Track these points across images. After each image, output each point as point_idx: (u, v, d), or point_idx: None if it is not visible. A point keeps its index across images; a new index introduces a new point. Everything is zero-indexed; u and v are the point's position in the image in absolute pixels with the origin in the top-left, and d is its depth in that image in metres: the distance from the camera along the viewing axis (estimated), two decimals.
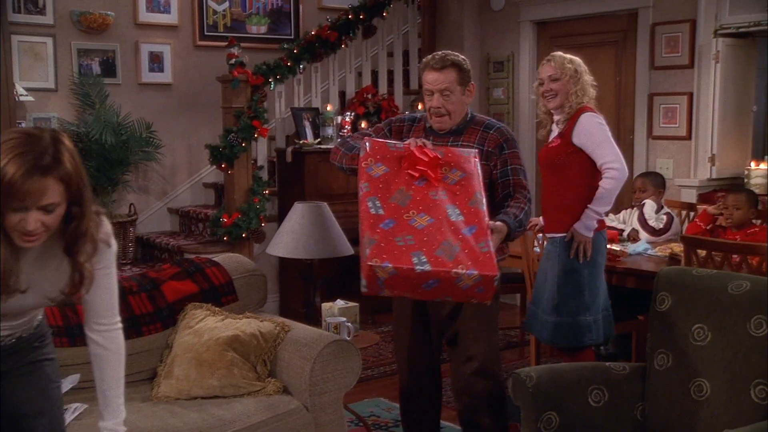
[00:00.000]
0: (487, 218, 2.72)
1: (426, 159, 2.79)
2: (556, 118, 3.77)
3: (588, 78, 3.70)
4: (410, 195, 2.72)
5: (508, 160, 3.14)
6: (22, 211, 1.85)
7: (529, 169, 3.60)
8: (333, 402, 3.03)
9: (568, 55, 3.75)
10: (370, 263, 2.50)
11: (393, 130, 3.25)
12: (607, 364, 2.85)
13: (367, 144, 2.89)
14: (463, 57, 3.15)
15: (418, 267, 2.49)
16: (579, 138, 3.62)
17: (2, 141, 1.85)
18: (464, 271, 2.51)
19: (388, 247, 2.53)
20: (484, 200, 2.78)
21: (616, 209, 5.13)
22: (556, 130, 3.79)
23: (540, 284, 3.81)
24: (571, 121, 3.65)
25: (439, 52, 3.16)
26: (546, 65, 3.73)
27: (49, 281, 2.06)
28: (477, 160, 2.91)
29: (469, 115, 3.20)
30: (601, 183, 3.61)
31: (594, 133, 3.62)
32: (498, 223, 2.86)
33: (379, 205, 2.67)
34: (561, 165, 3.68)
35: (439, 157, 2.83)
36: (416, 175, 2.77)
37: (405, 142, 2.92)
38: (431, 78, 3.09)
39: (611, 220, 4.90)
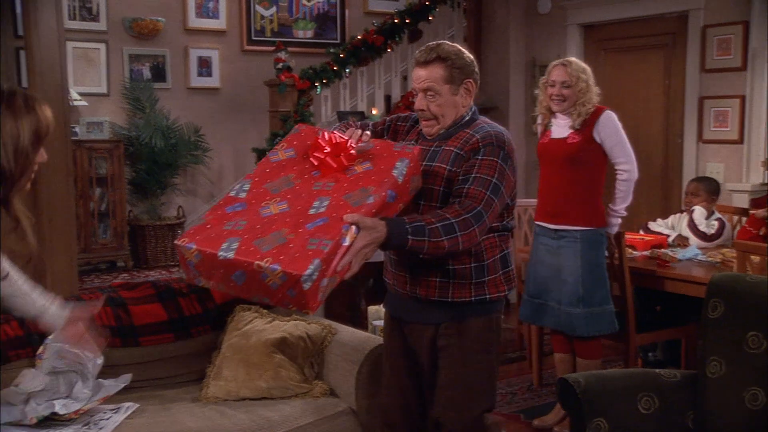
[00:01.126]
0: (354, 215, 2.18)
1: (328, 148, 2.40)
2: (561, 116, 3.90)
3: (595, 89, 3.85)
4: (293, 183, 2.35)
5: (477, 166, 2.44)
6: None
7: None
8: (377, 407, 3.02)
9: (582, 65, 3.88)
10: (177, 242, 2.21)
11: (391, 128, 2.73)
12: (657, 371, 2.80)
13: (298, 128, 2.56)
14: (458, 49, 2.56)
15: (221, 253, 2.11)
16: (600, 134, 3.79)
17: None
18: (267, 264, 2.06)
19: (209, 230, 2.19)
20: (372, 198, 2.24)
21: (664, 214, 5.06)
22: (563, 127, 3.89)
23: (548, 277, 3.94)
24: (592, 118, 3.80)
25: (432, 43, 2.59)
26: (561, 69, 3.84)
27: None
28: (410, 157, 2.38)
29: (467, 118, 2.57)
30: (616, 185, 3.86)
31: (615, 132, 3.80)
32: (374, 219, 2.21)
33: (246, 189, 2.34)
34: (580, 160, 3.82)
35: (351, 146, 2.39)
36: (315, 163, 2.39)
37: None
38: (415, 74, 2.54)
39: (658, 226, 4.83)
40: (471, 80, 2.54)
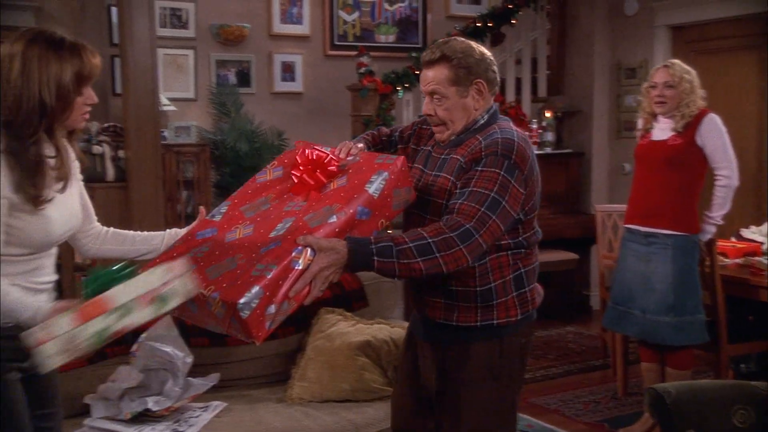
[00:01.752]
0: (308, 237, 2.00)
1: (306, 164, 2.25)
2: (663, 118, 3.84)
3: (700, 92, 3.79)
4: (268, 205, 2.21)
5: (475, 179, 2.17)
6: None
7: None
8: None
9: (687, 66, 3.82)
10: (140, 270, 2.12)
11: (416, 133, 2.51)
12: (752, 383, 2.71)
13: (295, 145, 2.41)
14: (467, 45, 2.29)
15: None
16: (703, 138, 3.74)
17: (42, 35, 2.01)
18: (209, 293, 1.95)
19: (173, 258, 2.08)
20: (335, 217, 2.06)
21: (758, 221, 4.89)
22: (665, 130, 3.83)
23: (634, 284, 3.86)
24: (695, 121, 3.74)
25: (440, 40, 2.36)
26: (663, 71, 3.80)
27: None
28: (390, 170, 2.18)
29: (482, 122, 2.30)
30: (714, 191, 3.81)
31: (719, 136, 3.76)
32: (332, 240, 2.01)
33: (222, 211, 2.26)
34: (680, 163, 3.78)
35: (334, 161, 2.24)
36: (295, 181, 2.24)
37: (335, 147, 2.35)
38: (421, 76, 2.34)
39: (752, 233, 4.67)
40: (482, 80, 2.27)
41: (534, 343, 5.47)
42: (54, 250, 2.17)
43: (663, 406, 2.53)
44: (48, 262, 2.15)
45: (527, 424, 4.14)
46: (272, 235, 2.06)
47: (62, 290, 2.42)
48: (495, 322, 2.30)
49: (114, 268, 2.11)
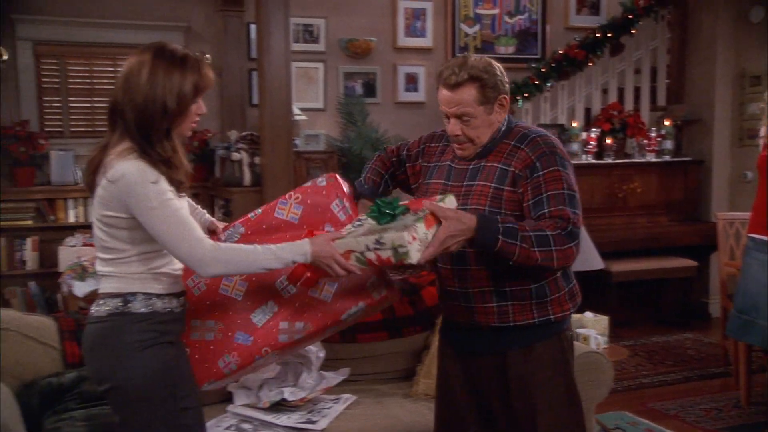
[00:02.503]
0: (437, 205, 2.06)
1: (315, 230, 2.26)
2: None
3: None
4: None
5: (543, 184, 2.16)
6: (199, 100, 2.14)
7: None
8: (584, 412, 2.94)
9: None
10: None
11: (425, 152, 2.44)
12: None
13: (322, 179, 2.33)
14: (486, 62, 2.22)
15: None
16: None
17: (166, 49, 2.11)
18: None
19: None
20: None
21: None
22: None
23: (759, 294, 3.69)
24: None
25: (458, 58, 2.24)
26: None
27: None
28: (368, 304, 2.24)
29: (504, 128, 2.28)
30: None
31: None
32: (458, 211, 2.08)
33: (235, 239, 2.29)
34: None
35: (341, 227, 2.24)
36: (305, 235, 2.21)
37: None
38: (443, 98, 2.23)
39: None
40: (504, 95, 2.24)
41: (652, 348, 5.35)
42: None
43: None
44: None
45: (646, 428, 4.02)
46: (252, 317, 2.24)
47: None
48: (552, 317, 2.26)
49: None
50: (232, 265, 2.03)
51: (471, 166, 2.28)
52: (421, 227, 1.98)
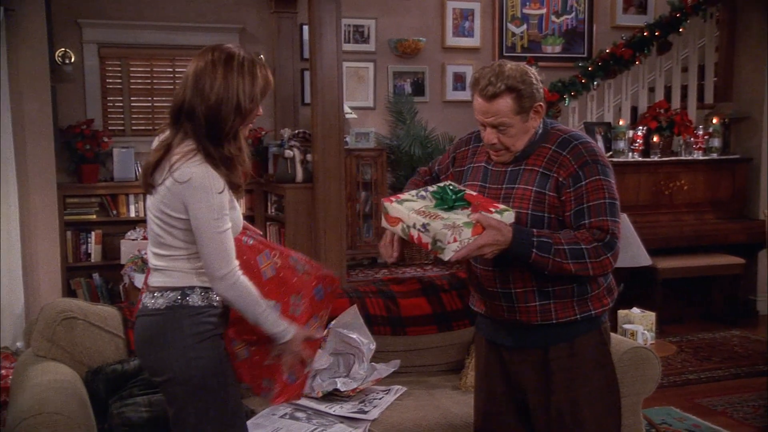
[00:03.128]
0: (483, 215, 2.06)
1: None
2: None
3: None
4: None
5: (585, 194, 2.15)
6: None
7: None
8: (631, 406, 2.90)
9: None
10: None
11: (457, 158, 2.41)
12: None
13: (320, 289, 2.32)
14: (522, 70, 2.16)
15: None
16: None
17: (236, 53, 2.12)
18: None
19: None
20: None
21: None
22: None
23: None
24: None
25: (493, 65, 2.18)
26: None
27: None
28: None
29: (540, 132, 2.23)
30: None
31: None
32: (501, 222, 2.06)
33: (270, 275, 2.26)
34: None
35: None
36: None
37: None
38: (479, 107, 2.17)
39: None
40: (540, 103, 2.18)
41: (698, 344, 5.25)
42: None
43: None
44: None
45: (694, 424, 3.94)
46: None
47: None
48: (593, 312, 2.26)
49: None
50: (240, 300, 2.07)
51: (510, 169, 2.25)
52: (467, 232, 2.01)
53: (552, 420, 2.27)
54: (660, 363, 2.98)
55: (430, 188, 2.20)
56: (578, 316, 2.24)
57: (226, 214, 2.05)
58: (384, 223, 2.16)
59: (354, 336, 3.10)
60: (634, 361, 2.91)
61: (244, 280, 2.07)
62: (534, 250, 2.06)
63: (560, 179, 2.17)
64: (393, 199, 2.15)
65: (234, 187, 2.10)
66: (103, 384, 2.68)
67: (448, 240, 1.97)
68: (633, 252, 3.46)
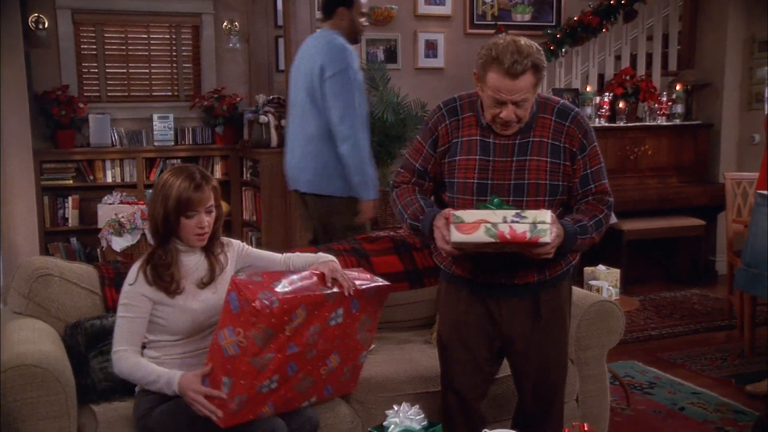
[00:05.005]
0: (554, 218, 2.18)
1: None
2: None
3: None
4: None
5: (588, 161, 2.30)
6: (195, 216, 2.33)
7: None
8: (596, 358, 2.95)
9: None
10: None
11: (439, 138, 2.37)
12: None
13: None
14: (534, 44, 2.20)
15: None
16: None
17: (163, 178, 2.37)
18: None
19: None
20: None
21: None
22: None
23: (761, 245, 3.64)
24: None
25: (508, 43, 2.15)
26: None
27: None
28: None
29: (535, 102, 2.30)
30: None
31: None
32: (557, 225, 2.18)
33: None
34: None
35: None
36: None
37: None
38: (504, 86, 2.15)
39: None
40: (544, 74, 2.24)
41: (660, 303, 5.33)
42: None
43: None
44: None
45: (655, 376, 4.01)
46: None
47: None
48: (573, 263, 2.46)
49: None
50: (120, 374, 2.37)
51: (518, 141, 2.28)
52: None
53: (532, 361, 2.43)
54: (624, 316, 3.02)
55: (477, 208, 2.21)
56: (564, 268, 2.43)
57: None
58: (456, 236, 2.13)
59: None
60: (599, 314, 2.95)
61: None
62: (579, 237, 2.24)
63: (573, 149, 2.28)
64: (455, 213, 2.14)
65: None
66: (82, 338, 2.65)
67: (550, 220, 2.08)
68: None
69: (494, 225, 2.08)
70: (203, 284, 2.41)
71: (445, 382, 2.57)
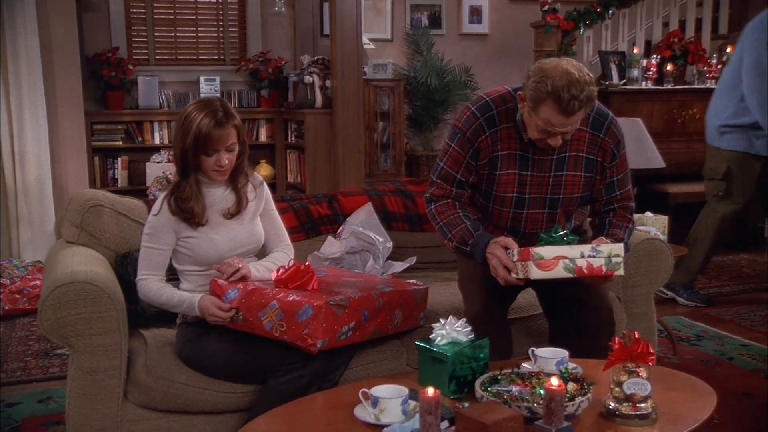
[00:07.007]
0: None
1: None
2: None
3: None
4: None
5: (617, 169, 2.37)
6: (215, 154, 2.30)
7: None
8: (644, 295, 2.88)
9: None
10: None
11: (481, 149, 2.33)
12: None
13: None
14: (589, 74, 2.15)
15: None
16: None
17: (187, 111, 2.32)
18: None
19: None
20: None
21: None
22: None
23: None
24: None
25: (566, 75, 2.08)
26: None
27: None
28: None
29: None
30: None
31: None
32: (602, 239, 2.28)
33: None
34: None
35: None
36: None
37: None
38: (557, 121, 2.13)
39: None
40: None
41: (708, 266, 5.20)
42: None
43: None
44: None
45: (702, 330, 3.93)
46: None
47: None
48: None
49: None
50: (146, 299, 2.46)
51: (555, 157, 2.30)
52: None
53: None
54: (672, 256, 2.95)
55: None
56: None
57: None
58: (536, 274, 2.11)
59: (370, 234, 3.08)
60: (647, 251, 2.88)
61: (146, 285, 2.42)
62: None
63: (604, 163, 2.35)
64: (534, 251, 2.12)
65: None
66: (132, 267, 2.68)
67: (623, 253, 2.14)
68: (647, 155, 3.41)
69: (572, 260, 2.11)
70: (230, 215, 2.43)
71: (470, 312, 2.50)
